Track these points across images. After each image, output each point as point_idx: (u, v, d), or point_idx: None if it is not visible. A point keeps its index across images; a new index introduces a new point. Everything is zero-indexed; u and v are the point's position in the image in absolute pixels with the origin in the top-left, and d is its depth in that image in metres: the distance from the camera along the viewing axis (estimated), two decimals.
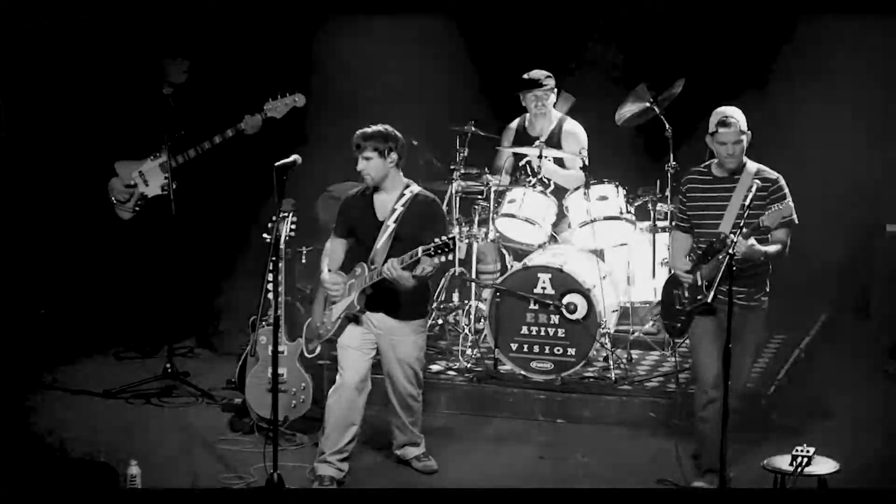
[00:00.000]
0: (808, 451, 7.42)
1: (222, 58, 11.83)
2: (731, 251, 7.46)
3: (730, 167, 7.87)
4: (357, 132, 8.13)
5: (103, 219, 10.50)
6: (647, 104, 10.09)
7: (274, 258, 8.08)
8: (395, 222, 8.13)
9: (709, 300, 7.65)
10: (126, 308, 11.21)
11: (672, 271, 8.17)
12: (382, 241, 8.12)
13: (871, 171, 11.17)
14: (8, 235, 11.05)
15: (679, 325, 8.02)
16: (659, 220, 10.04)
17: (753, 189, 7.67)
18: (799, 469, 7.39)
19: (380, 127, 8.14)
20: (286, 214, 8.52)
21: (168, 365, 9.79)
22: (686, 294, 7.96)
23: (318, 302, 8.41)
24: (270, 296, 8.34)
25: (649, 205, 10.03)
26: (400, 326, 8.25)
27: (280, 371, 8.62)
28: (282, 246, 8.41)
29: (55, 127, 11.36)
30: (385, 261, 8.03)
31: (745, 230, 7.54)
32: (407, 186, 8.20)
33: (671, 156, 9.91)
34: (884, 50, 11.01)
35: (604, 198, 9.78)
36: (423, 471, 8.51)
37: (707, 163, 8.04)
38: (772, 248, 7.75)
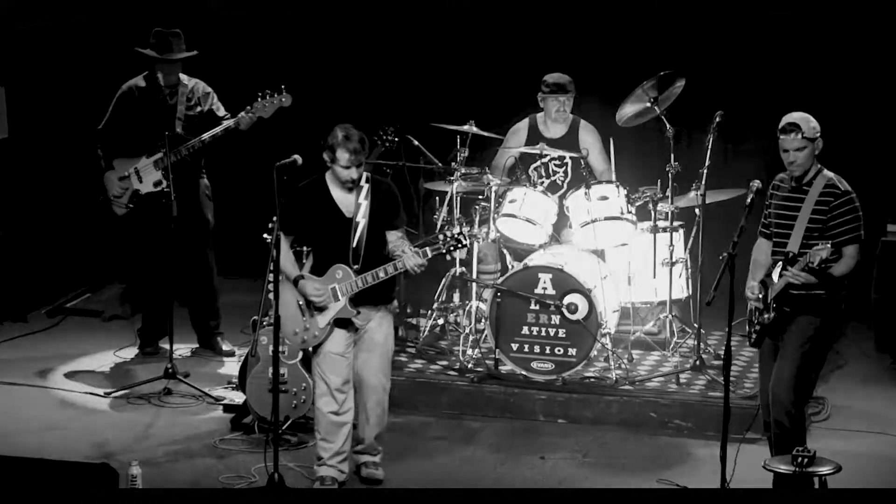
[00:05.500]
0: (808, 452, 7.42)
1: (218, 55, 11.85)
2: (786, 281, 7.55)
3: (794, 174, 7.78)
4: (354, 142, 7.97)
5: (104, 216, 10.51)
6: (648, 104, 10.09)
7: (274, 258, 8.06)
8: (364, 217, 8.10)
9: (772, 318, 7.67)
10: (126, 307, 11.23)
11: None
12: (357, 239, 8.09)
13: (873, 170, 11.16)
14: (9, 235, 11.05)
15: (755, 336, 7.93)
16: (660, 220, 10.03)
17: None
18: (799, 469, 7.38)
19: (361, 134, 8.06)
20: None
21: (168, 365, 9.79)
22: (760, 308, 7.87)
23: (287, 306, 8.17)
24: (271, 296, 8.32)
25: (650, 205, 10.03)
26: (378, 313, 8.22)
27: (281, 371, 8.62)
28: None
29: (57, 126, 11.38)
30: (364, 256, 8.02)
31: (799, 263, 7.50)
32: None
33: (672, 156, 9.90)
34: (886, 50, 11.01)
35: (604, 198, 9.77)
36: (367, 478, 8.37)
37: None
38: (837, 270, 7.64)
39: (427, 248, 7.94)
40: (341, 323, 8.17)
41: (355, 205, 8.12)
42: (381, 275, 8.02)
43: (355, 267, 8.08)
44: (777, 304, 7.73)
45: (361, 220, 8.11)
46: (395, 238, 8.12)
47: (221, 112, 10.09)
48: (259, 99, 9.84)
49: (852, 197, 7.75)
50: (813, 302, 7.74)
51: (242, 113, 9.83)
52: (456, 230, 7.93)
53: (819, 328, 7.79)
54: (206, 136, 9.92)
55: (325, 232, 8.14)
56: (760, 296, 7.80)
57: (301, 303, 8.16)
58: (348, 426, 8.27)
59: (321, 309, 8.12)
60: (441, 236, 7.93)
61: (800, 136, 7.72)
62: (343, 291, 8.10)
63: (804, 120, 7.76)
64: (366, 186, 8.14)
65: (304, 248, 8.49)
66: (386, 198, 8.16)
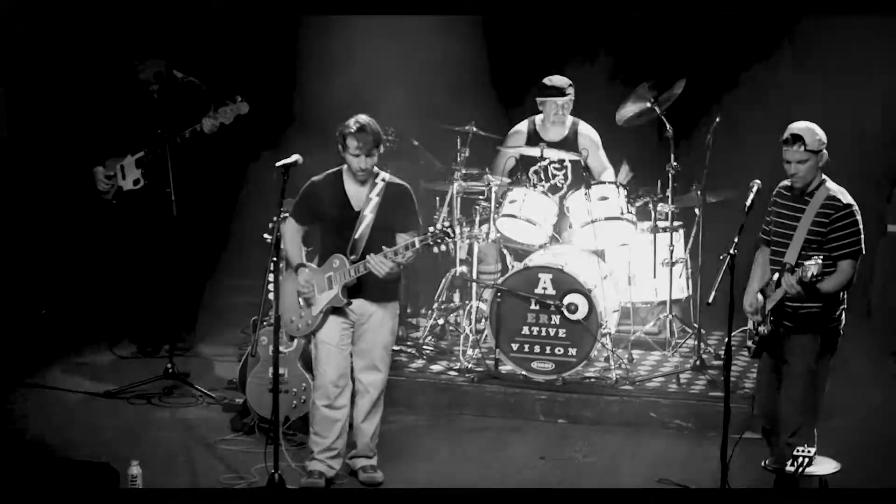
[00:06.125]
0: (808, 452, 7.41)
1: (209, 55, 11.87)
2: (782, 292, 7.51)
3: (796, 186, 7.70)
4: (364, 131, 8.02)
5: (99, 215, 10.57)
6: (648, 105, 10.09)
7: (275, 258, 8.07)
8: (371, 212, 8.11)
9: (768, 330, 7.64)
10: (126, 307, 11.23)
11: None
12: (360, 231, 8.09)
13: (873, 170, 11.16)
14: (9, 234, 11.05)
15: (754, 347, 7.88)
16: (660, 220, 10.03)
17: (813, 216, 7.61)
18: (800, 469, 7.38)
19: (375, 124, 8.11)
20: (287, 214, 8.51)
21: (169, 365, 9.80)
22: (758, 320, 7.83)
23: (289, 295, 8.26)
24: (271, 296, 8.33)
25: (650, 205, 10.03)
26: (378, 309, 8.21)
27: (281, 371, 8.62)
28: (283, 246, 8.38)
29: (57, 126, 11.38)
30: (364, 250, 8.03)
31: (797, 274, 7.47)
32: (377, 175, 8.20)
33: (672, 156, 9.90)
34: (886, 49, 11.00)
35: (605, 198, 9.78)
36: (366, 483, 8.37)
37: None
38: (828, 285, 7.55)
39: (416, 240, 7.92)
40: (335, 312, 8.18)
41: (365, 199, 8.14)
42: (362, 269, 8.03)
43: (352, 258, 8.08)
44: (774, 317, 7.68)
45: (368, 214, 8.12)
46: (403, 241, 8.10)
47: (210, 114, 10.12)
48: (222, 106, 9.87)
49: (853, 210, 7.64)
50: (812, 319, 7.69)
51: (205, 118, 9.86)
52: (446, 223, 7.92)
53: (822, 346, 7.74)
54: (175, 138, 9.97)
55: (332, 221, 8.17)
56: (758, 307, 7.76)
57: (300, 293, 8.20)
58: (342, 423, 8.26)
59: (316, 297, 8.15)
60: (430, 229, 7.92)
61: (802, 148, 7.62)
62: (337, 280, 8.11)
63: (808, 131, 7.65)
64: (380, 184, 8.16)
65: (305, 248, 8.50)
66: (397, 198, 8.15)
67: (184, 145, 9.94)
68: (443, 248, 7.88)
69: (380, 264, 7.95)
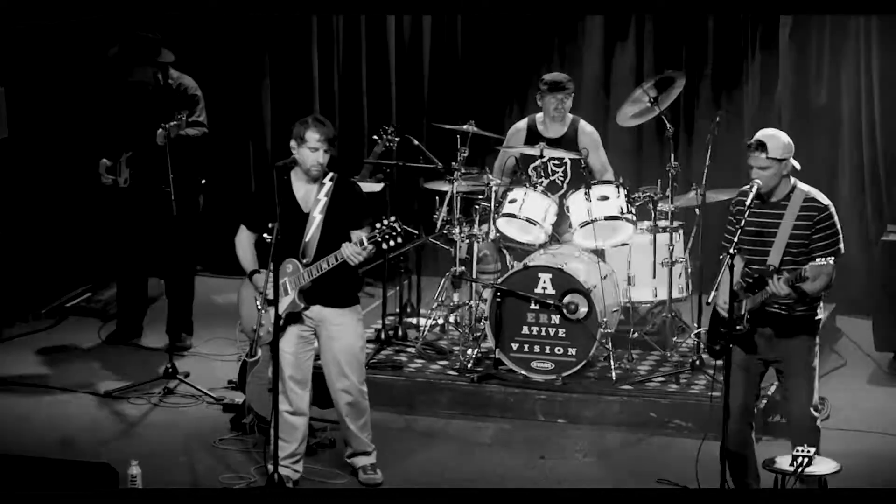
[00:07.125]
0: (808, 452, 7.41)
1: (217, 54, 11.88)
2: (767, 293, 7.46)
3: (761, 192, 7.64)
4: (317, 125, 8.00)
5: (98, 211, 10.60)
6: (648, 104, 10.09)
7: (274, 259, 8.05)
8: (321, 213, 8.08)
9: (745, 329, 7.60)
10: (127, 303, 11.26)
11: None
12: (311, 233, 8.06)
13: (874, 170, 11.16)
14: (9, 234, 11.05)
15: (718, 347, 7.82)
16: (660, 220, 10.03)
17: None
18: (799, 469, 7.38)
19: (329, 122, 8.13)
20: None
21: (168, 365, 9.80)
22: (728, 320, 7.74)
23: (247, 303, 8.27)
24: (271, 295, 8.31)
25: (650, 205, 10.02)
26: (337, 315, 8.17)
27: None
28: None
29: (57, 126, 11.38)
30: (315, 252, 8.00)
31: (786, 276, 7.43)
32: (325, 175, 8.15)
33: (672, 156, 9.90)
34: (885, 48, 11.00)
35: (604, 198, 9.77)
36: (365, 483, 8.35)
37: None
38: (812, 287, 7.46)
39: (363, 238, 7.89)
40: (292, 318, 8.15)
41: (314, 200, 8.12)
42: (325, 266, 7.97)
43: (304, 261, 8.07)
44: (752, 318, 7.63)
45: (318, 215, 8.08)
46: (357, 237, 8.00)
47: (194, 118, 10.10)
48: (174, 121, 9.85)
49: (832, 211, 7.62)
50: (805, 321, 7.67)
51: (160, 130, 9.82)
52: (392, 219, 7.87)
53: (814, 345, 7.73)
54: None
55: (282, 225, 8.03)
56: (726, 308, 7.70)
57: (257, 299, 8.16)
58: (303, 428, 8.27)
59: (273, 304, 8.11)
60: (378, 224, 7.84)
61: (763, 155, 7.56)
62: (292, 284, 8.09)
63: (772, 139, 7.59)
64: (329, 184, 8.12)
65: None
66: (347, 196, 8.11)
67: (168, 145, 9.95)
68: (391, 243, 7.81)
69: (356, 254, 7.88)
